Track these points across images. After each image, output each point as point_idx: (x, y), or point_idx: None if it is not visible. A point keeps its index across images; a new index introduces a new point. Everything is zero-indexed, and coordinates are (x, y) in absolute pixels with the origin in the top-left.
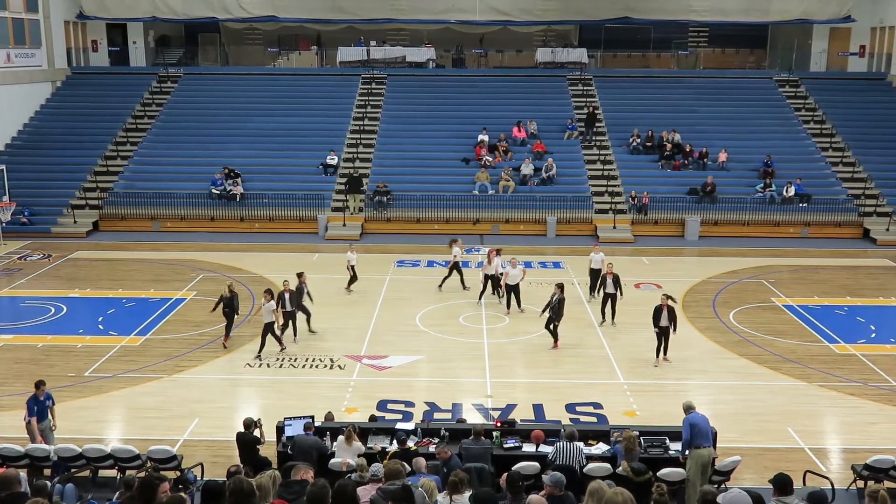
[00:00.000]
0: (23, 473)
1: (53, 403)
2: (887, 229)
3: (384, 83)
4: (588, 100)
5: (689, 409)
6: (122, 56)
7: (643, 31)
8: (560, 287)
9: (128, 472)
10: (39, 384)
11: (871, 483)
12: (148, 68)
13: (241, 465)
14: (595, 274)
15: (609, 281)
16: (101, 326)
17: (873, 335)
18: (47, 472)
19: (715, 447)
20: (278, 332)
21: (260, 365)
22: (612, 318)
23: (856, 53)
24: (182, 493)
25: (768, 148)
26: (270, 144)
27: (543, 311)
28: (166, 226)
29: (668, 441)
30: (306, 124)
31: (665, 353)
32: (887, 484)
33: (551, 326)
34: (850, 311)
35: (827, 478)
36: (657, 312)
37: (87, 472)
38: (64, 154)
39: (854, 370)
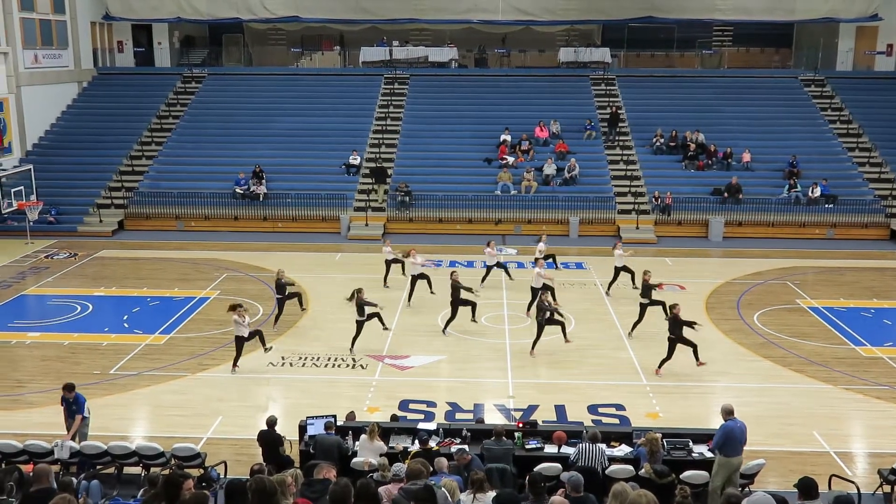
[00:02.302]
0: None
1: (80, 412)
2: None
3: (406, 83)
4: (611, 100)
5: (728, 413)
6: (148, 57)
7: (667, 30)
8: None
9: (152, 470)
10: (66, 387)
11: None
12: (173, 69)
13: (264, 464)
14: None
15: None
16: (126, 325)
17: None
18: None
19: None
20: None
21: (289, 364)
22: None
23: (883, 52)
24: (205, 491)
25: (793, 148)
26: (293, 144)
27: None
28: (190, 225)
29: (691, 443)
30: (329, 124)
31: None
32: None
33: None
34: (877, 314)
35: (853, 482)
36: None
37: (112, 469)
38: (90, 154)
39: (881, 373)
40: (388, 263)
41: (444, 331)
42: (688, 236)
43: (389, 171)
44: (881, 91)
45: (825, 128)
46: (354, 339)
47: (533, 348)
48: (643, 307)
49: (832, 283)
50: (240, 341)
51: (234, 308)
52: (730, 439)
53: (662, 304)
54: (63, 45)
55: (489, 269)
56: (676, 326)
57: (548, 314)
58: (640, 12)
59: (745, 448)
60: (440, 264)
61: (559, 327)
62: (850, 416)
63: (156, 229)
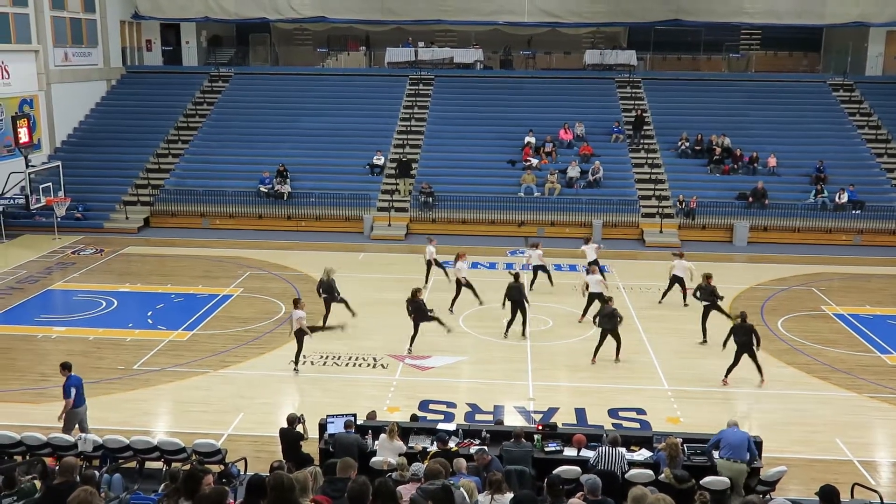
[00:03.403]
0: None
1: (66, 396)
2: None
3: (431, 84)
4: (636, 102)
5: (729, 424)
6: (175, 55)
7: (693, 33)
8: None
9: (173, 465)
10: (61, 366)
11: None
12: (200, 68)
13: (284, 461)
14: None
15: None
16: (150, 321)
17: None
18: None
19: (760, 457)
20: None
21: (310, 362)
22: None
23: None
24: (224, 486)
25: (821, 153)
26: (318, 144)
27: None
28: (215, 223)
29: (712, 449)
30: (354, 124)
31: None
32: None
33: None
34: None
35: (876, 491)
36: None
37: (133, 464)
38: (117, 151)
39: None
40: (430, 264)
41: (505, 334)
42: (712, 241)
43: (414, 166)
44: None
45: (853, 133)
46: (413, 337)
47: (594, 357)
48: (708, 309)
49: (858, 289)
50: (300, 335)
51: (296, 302)
52: (723, 441)
53: (718, 308)
54: (93, 44)
55: (535, 270)
56: (744, 333)
57: (618, 319)
58: (667, 15)
59: (766, 455)
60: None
61: (615, 342)
62: (875, 425)
63: (181, 227)
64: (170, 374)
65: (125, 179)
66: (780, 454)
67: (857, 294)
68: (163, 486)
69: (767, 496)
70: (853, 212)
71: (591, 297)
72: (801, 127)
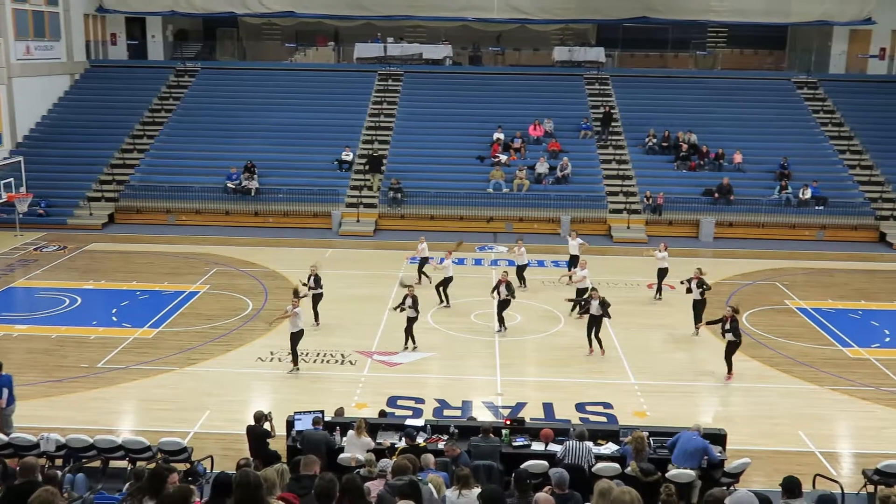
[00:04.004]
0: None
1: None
2: None
3: (401, 80)
4: (604, 99)
5: (692, 428)
6: (141, 50)
7: (661, 30)
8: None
9: (138, 464)
10: None
11: (881, 488)
12: (166, 62)
13: (251, 459)
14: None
15: (595, 303)
16: (114, 318)
17: (887, 339)
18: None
19: (725, 449)
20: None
21: (278, 359)
22: (600, 345)
23: (876, 56)
24: (191, 485)
25: (785, 150)
26: (286, 139)
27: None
28: (181, 219)
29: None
30: (322, 120)
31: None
32: None
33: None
34: (865, 315)
35: (837, 482)
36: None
37: (97, 463)
38: (81, 146)
39: (867, 374)
40: (424, 262)
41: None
42: (678, 236)
43: (384, 160)
44: (873, 94)
45: (817, 130)
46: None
47: (601, 346)
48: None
49: (821, 284)
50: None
51: (296, 294)
52: (678, 446)
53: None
54: (55, 37)
55: (521, 269)
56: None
57: (606, 305)
58: (635, 12)
59: (731, 447)
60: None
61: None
62: (836, 417)
63: (146, 223)
64: (135, 372)
65: (89, 175)
66: (744, 446)
67: (820, 288)
68: (127, 485)
69: (731, 488)
70: (816, 208)
71: (580, 292)
72: (766, 124)
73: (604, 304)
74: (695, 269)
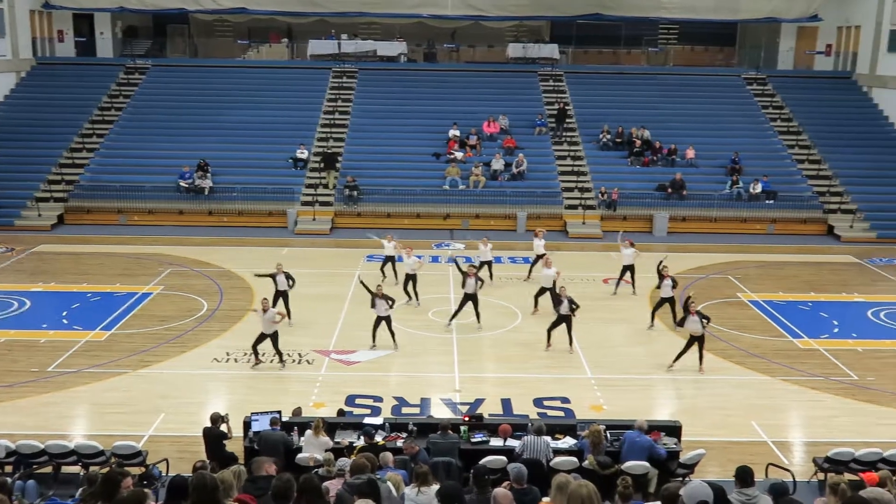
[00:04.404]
0: None
1: None
2: (851, 226)
3: (355, 77)
4: (559, 95)
5: (636, 426)
6: (89, 47)
7: (614, 27)
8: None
9: (91, 469)
10: None
11: (831, 475)
12: (115, 59)
13: (207, 461)
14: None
15: (566, 303)
16: (65, 321)
17: (836, 330)
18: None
19: (680, 440)
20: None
21: (234, 360)
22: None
23: (822, 52)
24: (145, 489)
25: (736, 145)
26: (239, 137)
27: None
28: (133, 219)
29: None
30: (276, 118)
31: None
32: (847, 476)
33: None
34: (814, 307)
35: (789, 470)
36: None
37: (49, 469)
38: (28, 146)
39: (816, 365)
40: (389, 259)
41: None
42: (633, 231)
43: (339, 158)
44: (820, 90)
45: (766, 125)
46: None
47: (570, 344)
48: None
49: (772, 277)
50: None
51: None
52: (625, 448)
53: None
54: (0, 34)
55: (483, 265)
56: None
57: (574, 306)
58: (588, 9)
59: (685, 438)
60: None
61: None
62: (788, 407)
63: (97, 223)
64: (87, 375)
65: (37, 175)
66: (699, 438)
67: (771, 281)
68: (80, 490)
69: (687, 478)
70: (767, 202)
71: (542, 290)
72: (718, 119)
73: (572, 304)
74: (661, 265)
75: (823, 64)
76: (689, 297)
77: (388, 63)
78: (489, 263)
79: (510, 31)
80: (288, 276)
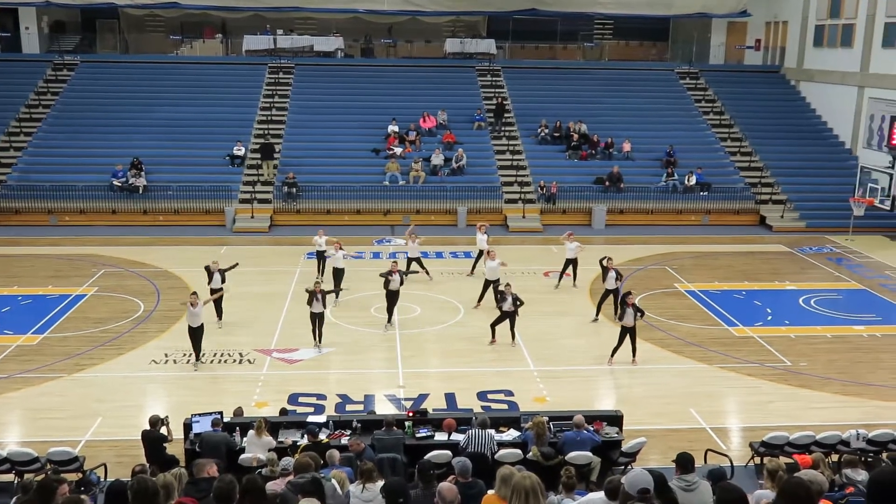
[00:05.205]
0: None
1: None
2: (782, 216)
3: (292, 72)
4: (497, 90)
5: (575, 424)
6: (14, 42)
7: (550, 22)
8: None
9: (25, 476)
10: None
11: (768, 460)
12: (42, 55)
13: (147, 464)
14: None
15: (510, 300)
16: None
17: (769, 318)
18: None
19: (621, 429)
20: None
21: (173, 361)
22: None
23: (752, 47)
24: (83, 495)
25: (671, 138)
26: (174, 135)
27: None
28: (64, 219)
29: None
30: (212, 114)
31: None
32: (783, 459)
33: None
34: (748, 296)
35: (727, 455)
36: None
37: None
38: None
39: (751, 352)
40: (321, 255)
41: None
42: (572, 224)
43: (277, 148)
44: (750, 84)
45: (699, 119)
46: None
47: (513, 338)
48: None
49: (707, 267)
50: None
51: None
52: (566, 449)
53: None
54: None
55: (412, 261)
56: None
57: (518, 303)
58: (524, 4)
59: (627, 427)
60: (361, 256)
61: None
62: (725, 394)
63: (26, 224)
64: (19, 380)
65: None
66: (640, 426)
67: (706, 271)
68: (14, 499)
69: (629, 467)
70: (701, 193)
71: (488, 284)
72: (653, 113)
73: (517, 300)
74: (605, 260)
75: (753, 58)
76: (628, 291)
77: (326, 58)
78: (417, 259)
79: (447, 26)
80: (222, 273)
